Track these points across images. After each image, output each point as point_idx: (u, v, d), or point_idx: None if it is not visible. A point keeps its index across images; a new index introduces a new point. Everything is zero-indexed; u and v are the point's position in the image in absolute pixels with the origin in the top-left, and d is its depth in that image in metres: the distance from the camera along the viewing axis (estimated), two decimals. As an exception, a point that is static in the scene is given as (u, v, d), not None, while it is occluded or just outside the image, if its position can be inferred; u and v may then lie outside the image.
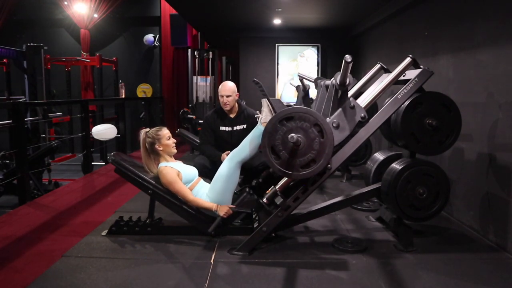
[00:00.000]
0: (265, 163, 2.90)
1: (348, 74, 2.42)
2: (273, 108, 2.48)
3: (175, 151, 2.92)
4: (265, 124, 2.53)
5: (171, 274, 2.28)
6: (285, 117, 2.36)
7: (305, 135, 2.36)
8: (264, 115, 2.72)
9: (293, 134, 2.27)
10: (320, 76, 7.78)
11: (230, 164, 2.80)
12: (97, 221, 3.12)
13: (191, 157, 4.95)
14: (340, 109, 2.49)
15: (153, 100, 9.69)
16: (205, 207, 2.75)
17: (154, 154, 2.86)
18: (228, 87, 3.45)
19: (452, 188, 2.89)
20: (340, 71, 2.43)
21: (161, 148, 2.84)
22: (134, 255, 2.55)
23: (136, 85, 10.26)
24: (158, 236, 2.82)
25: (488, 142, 2.86)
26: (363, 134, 2.54)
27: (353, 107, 2.49)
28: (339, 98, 2.51)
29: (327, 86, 2.66)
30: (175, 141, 2.92)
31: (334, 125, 2.46)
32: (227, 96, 3.43)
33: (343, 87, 2.47)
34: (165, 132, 2.87)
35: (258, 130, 2.77)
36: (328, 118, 2.49)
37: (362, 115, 2.49)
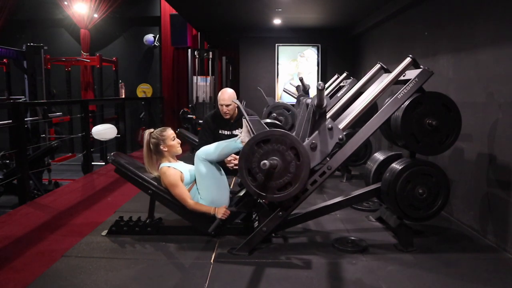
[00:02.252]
0: None
1: (324, 97, 2.40)
2: (251, 128, 2.48)
3: (180, 151, 2.92)
4: (244, 143, 2.54)
5: (171, 274, 2.28)
6: (261, 140, 2.37)
7: (282, 158, 2.36)
8: (243, 135, 2.72)
9: (265, 161, 2.27)
10: (320, 76, 7.80)
11: (197, 161, 2.80)
12: (97, 221, 3.12)
13: (191, 157, 4.94)
14: (317, 131, 2.48)
15: (153, 100, 9.68)
16: (203, 211, 2.75)
17: (158, 154, 2.86)
18: (227, 96, 3.43)
19: (452, 188, 2.89)
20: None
21: (166, 149, 2.84)
22: (134, 255, 2.55)
23: (136, 85, 10.26)
24: (158, 236, 2.82)
25: (488, 142, 2.86)
26: (363, 134, 2.54)
27: (331, 129, 2.47)
28: (317, 119, 2.49)
29: (307, 105, 2.66)
30: (179, 141, 2.92)
31: (312, 146, 2.45)
32: (227, 105, 3.43)
33: (321, 109, 2.46)
34: (170, 132, 2.87)
35: (234, 144, 2.77)
36: (307, 139, 2.49)
37: (340, 136, 2.47)
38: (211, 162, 2.79)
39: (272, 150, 2.37)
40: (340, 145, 2.51)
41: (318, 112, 2.47)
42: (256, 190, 2.39)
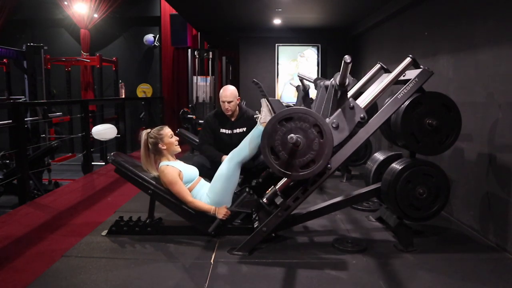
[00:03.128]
0: (264, 163, 2.91)
1: (348, 74, 2.42)
2: (272, 108, 2.48)
3: (179, 149, 2.92)
4: (265, 124, 2.53)
5: (171, 274, 2.28)
6: (284, 118, 2.36)
7: (305, 135, 2.35)
8: (264, 115, 2.72)
9: (292, 135, 2.27)
10: (320, 76, 7.80)
11: (229, 164, 2.80)
12: (97, 221, 3.12)
13: (191, 157, 4.95)
14: (339, 109, 2.49)
15: (153, 100, 9.68)
16: (203, 210, 2.75)
17: (157, 153, 2.86)
18: (229, 93, 3.44)
19: (452, 188, 2.89)
20: (339, 71, 2.43)
21: (164, 147, 2.84)
22: (134, 255, 2.55)
23: (136, 85, 10.26)
24: (158, 236, 2.82)
25: (488, 142, 2.86)
26: (363, 134, 2.54)
27: (352, 108, 2.49)
28: (339, 98, 2.51)
29: (326, 87, 2.66)
30: (177, 139, 2.92)
31: (334, 125, 2.45)
32: (229, 102, 3.43)
33: (343, 87, 2.47)
34: (167, 130, 2.87)
35: (257, 130, 2.77)
36: (327, 119, 2.49)
37: (362, 115, 2.49)
38: (245, 161, 2.82)
39: (295, 128, 2.35)
40: (361, 124, 2.51)
41: (340, 91, 2.47)
42: (279, 168, 2.38)
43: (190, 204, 2.76)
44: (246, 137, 2.86)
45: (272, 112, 2.51)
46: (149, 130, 2.90)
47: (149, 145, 2.84)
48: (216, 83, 8.02)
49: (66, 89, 8.92)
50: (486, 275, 2.32)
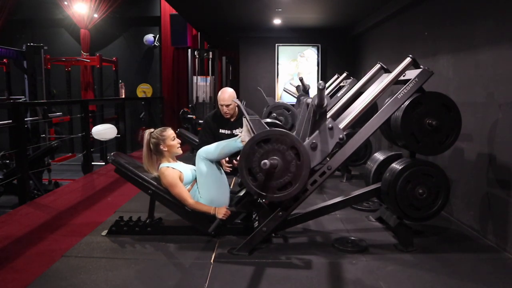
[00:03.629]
0: None
1: (324, 96, 2.40)
2: (251, 128, 2.48)
3: (180, 152, 2.92)
4: (244, 143, 2.54)
5: (171, 274, 2.29)
6: (262, 139, 2.37)
7: (282, 157, 2.36)
8: (243, 135, 2.72)
9: (265, 161, 2.27)
10: (320, 76, 7.80)
11: (198, 159, 2.80)
12: (97, 221, 3.12)
13: (191, 157, 4.95)
14: (317, 131, 2.48)
15: (153, 100, 9.69)
16: (204, 211, 2.76)
17: (158, 154, 2.87)
18: (228, 96, 3.43)
19: (452, 188, 2.89)
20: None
21: (166, 149, 2.84)
22: (134, 255, 2.55)
23: (136, 85, 10.26)
24: (158, 236, 2.82)
25: (488, 142, 2.86)
26: (363, 134, 2.54)
27: (331, 128, 2.47)
28: (318, 119, 2.49)
29: (308, 105, 2.65)
30: (179, 141, 2.93)
31: (312, 146, 2.45)
32: (227, 105, 3.43)
33: (321, 109, 2.45)
34: (170, 132, 2.87)
35: (234, 144, 2.77)
36: (307, 139, 2.49)
37: (341, 136, 2.47)
38: (211, 161, 2.80)
39: (273, 149, 2.37)
40: (340, 144, 2.51)
41: (319, 112, 2.47)
42: (256, 189, 2.39)
43: (190, 206, 2.76)
44: (223, 142, 2.84)
45: (251, 132, 2.51)
46: (152, 130, 2.90)
47: (151, 145, 2.85)
48: (216, 83, 8.03)
49: (66, 89, 8.92)
50: (485, 275, 2.32)
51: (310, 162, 2.40)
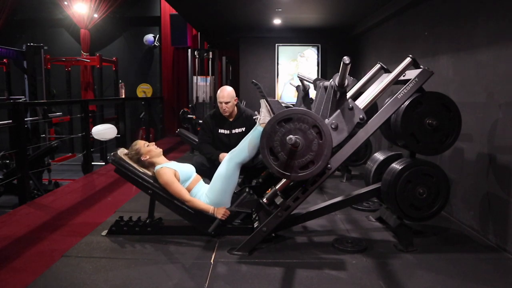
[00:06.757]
0: (264, 163, 2.91)
1: (347, 75, 2.42)
2: (271, 109, 2.48)
3: (160, 150, 2.96)
4: (264, 125, 2.53)
5: (171, 274, 2.29)
6: (283, 119, 2.36)
7: (304, 136, 2.36)
8: (263, 116, 2.72)
9: (291, 136, 2.27)
10: (319, 76, 7.80)
11: (229, 164, 2.80)
12: (97, 221, 3.12)
13: (191, 157, 4.95)
14: (338, 110, 2.49)
15: (153, 100, 9.69)
16: (202, 209, 2.76)
17: (147, 165, 2.91)
18: (226, 94, 3.44)
19: (452, 188, 2.89)
20: (339, 72, 2.43)
21: (147, 157, 2.88)
22: (134, 255, 2.55)
23: (136, 85, 10.26)
24: (158, 236, 2.82)
25: (488, 142, 2.86)
26: (363, 134, 2.54)
27: (351, 108, 2.49)
28: (338, 99, 2.51)
29: (326, 87, 2.66)
30: (153, 143, 2.97)
31: (333, 126, 2.45)
32: (226, 103, 3.43)
33: (342, 88, 2.47)
34: (140, 142, 2.94)
35: (256, 131, 2.77)
36: (326, 120, 2.49)
37: (361, 116, 2.49)
38: (243, 164, 2.82)
39: (294, 129, 2.35)
40: (361, 124, 2.51)
41: (339, 92, 2.47)
42: (278, 169, 2.38)
43: (188, 203, 2.76)
44: (245, 137, 2.86)
45: (271, 112, 2.51)
46: (125, 151, 2.94)
47: (135, 163, 2.88)
48: (216, 83, 8.02)
49: (66, 89, 8.93)
50: (486, 275, 2.32)
51: (332, 141, 2.39)
